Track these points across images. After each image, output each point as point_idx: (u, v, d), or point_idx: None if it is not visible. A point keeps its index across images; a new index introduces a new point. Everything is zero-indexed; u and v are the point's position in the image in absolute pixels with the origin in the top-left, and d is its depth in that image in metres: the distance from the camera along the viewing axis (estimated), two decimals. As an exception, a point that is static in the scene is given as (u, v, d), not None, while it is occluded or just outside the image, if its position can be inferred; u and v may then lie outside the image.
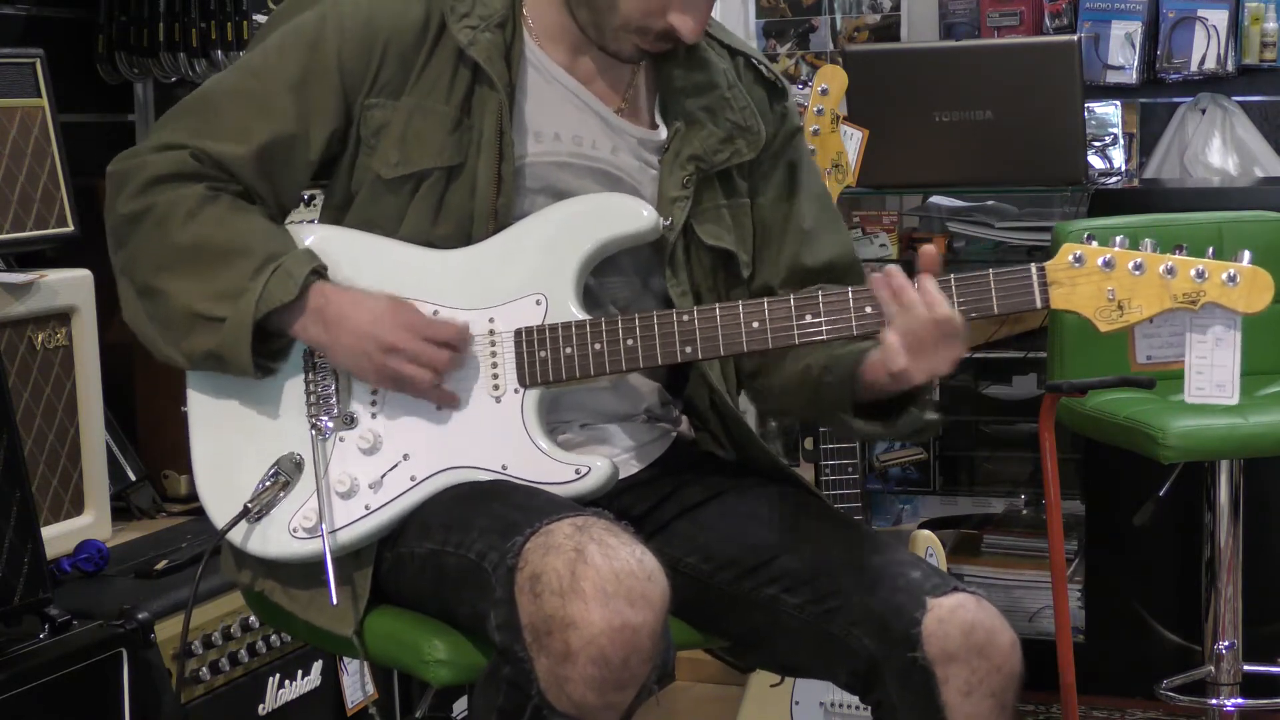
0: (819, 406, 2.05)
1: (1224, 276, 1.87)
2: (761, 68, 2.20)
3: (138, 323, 2.06)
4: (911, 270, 1.94)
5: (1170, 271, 1.87)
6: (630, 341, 1.99)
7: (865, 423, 2.01)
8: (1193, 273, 1.87)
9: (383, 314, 1.99)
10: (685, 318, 1.98)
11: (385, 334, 1.98)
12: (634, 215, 2.04)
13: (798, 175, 2.19)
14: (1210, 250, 1.89)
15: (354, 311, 1.99)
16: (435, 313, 2.03)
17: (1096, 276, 1.89)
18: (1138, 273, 1.88)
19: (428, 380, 2.00)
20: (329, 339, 2.01)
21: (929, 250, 1.91)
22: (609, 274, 2.09)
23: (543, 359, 2.00)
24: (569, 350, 2.00)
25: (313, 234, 2.08)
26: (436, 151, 2.04)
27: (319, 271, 2.01)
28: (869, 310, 1.94)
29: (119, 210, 2.05)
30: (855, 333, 1.95)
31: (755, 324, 1.97)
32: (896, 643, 1.92)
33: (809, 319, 1.96)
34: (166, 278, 2.02)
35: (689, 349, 1.99)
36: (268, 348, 2.02)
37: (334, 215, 2.12)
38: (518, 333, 2.01)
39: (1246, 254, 1.88)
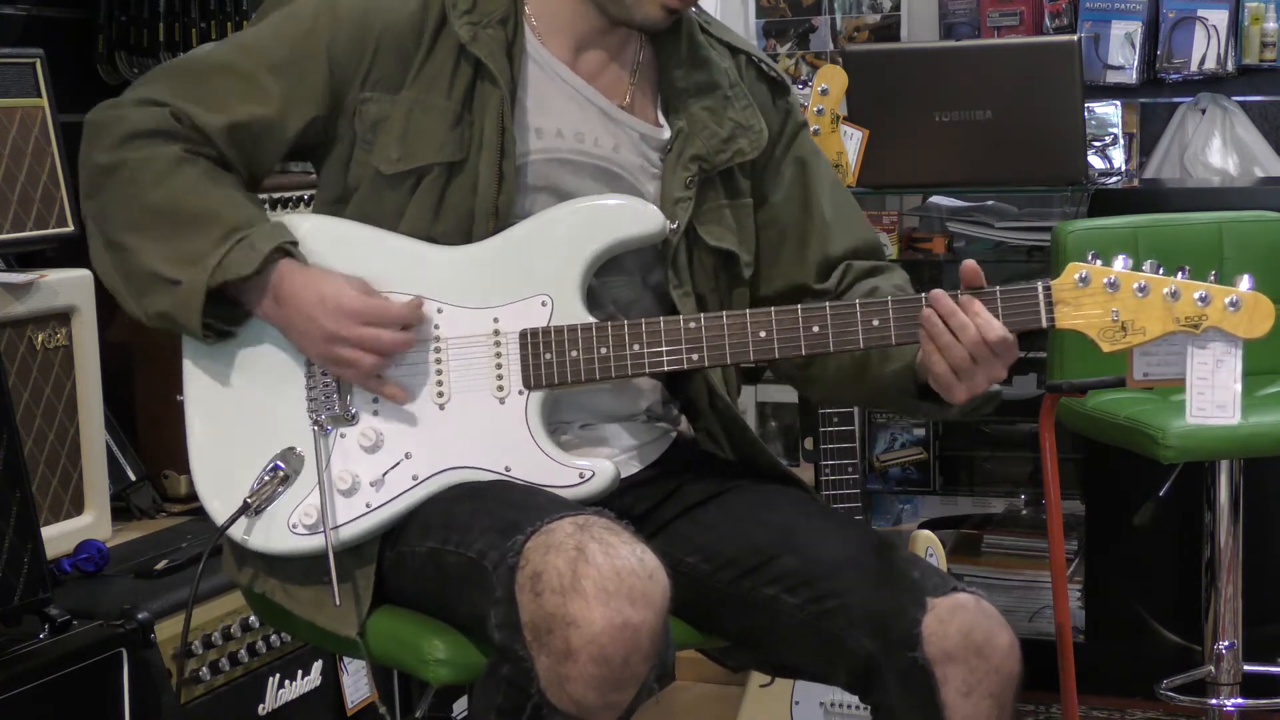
0: (881, 395, 2.08)
1: (1226, 302, 1.89)
2: (763, 65, 2.20)
3: (104, 273, 2.06)
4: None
5: (1174, 295, 1.89)
6: (636, 347, 1.99)
7: (931, 404, 2.03)
8: (1196, 297, 1.89)
9: (327, 298, 1.98)
10: (692, 324, 1.98)
11: (326, 320, 1.98)
12: (641, 217, 2.04)
13: (809, 170, 2.20)
14: (1213, 274, 1.90)
15: (303, 292, 1.99)
16: (439, 310, 2.03)
17: (1101, 297, 1.91)
18: (1141, 295, 1.90)
19: (368, 364, 1.99)
20: (281, 317, 2.01)
21: (970, 266, 1.92)
22: (611, 273, 2.08)
23: (548, 361, 2.00)
24: (574, 353, 2.00)
25: (315, 224, 2.08)
26: (437, 147, 2.04)
27: (287, 249, 2.01)
28: (876, 323, 1.94)
29: (95, 160, 2.05)
30: (861, 346, 1.96)
31: (762, 333, 1.97)
32: (896, 643, 1.92)
33: (816, 329, 1.96)
34: (134, 235, 2.02)
35: (695, 356, 1.98)
36: (223, 313, 2.01)
37: (330, 210, 2.11)
38: (523, 334, 2.01)
39: (1247, 279, 1.90)
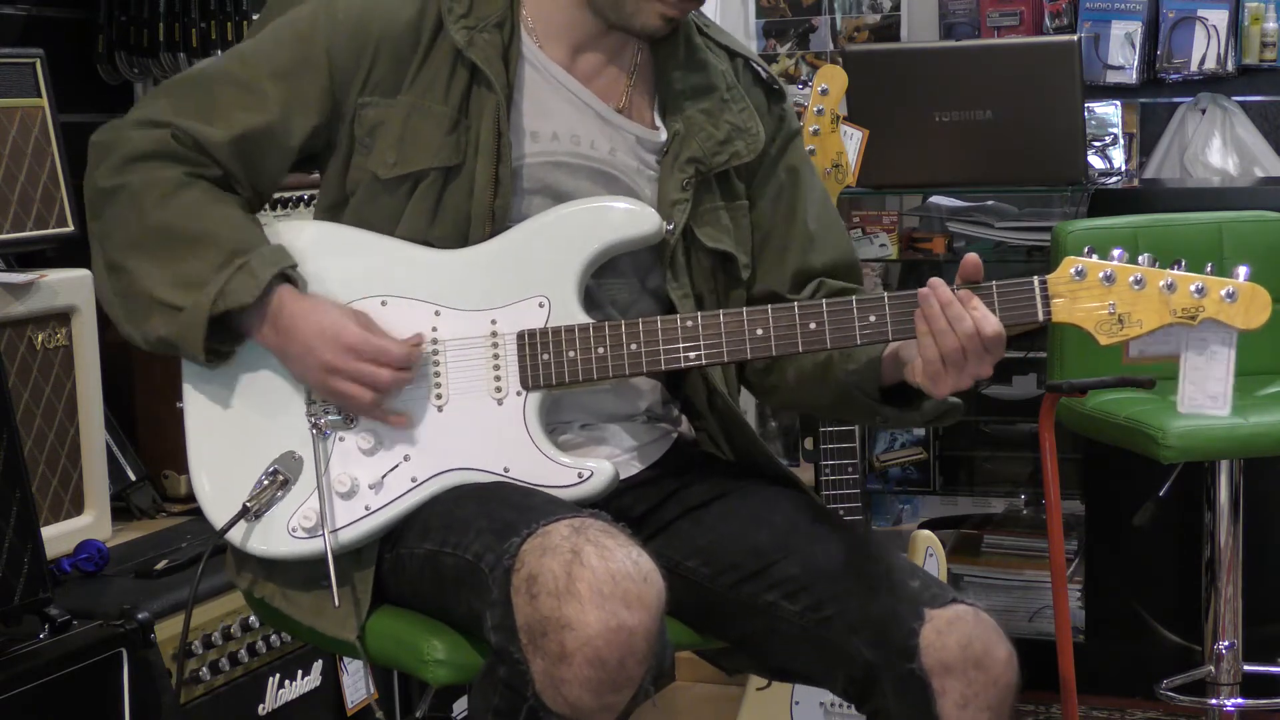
0: (844, 398, 2.05)
1: (1223, 293, 1.87)
2: (760, 70, 2.20)
3: (103, 296, 2.07)
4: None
5: (1170, 287, 1.88)
6: (634, 346, 1.98)
7: (893, 410, 2.02)
8: (1192, 289, 1.88)
9: (327, 329, 1.98)
10: (689, 323, 1.98)
11: (325, 353, 1.98)
12: (638, 218, 2.04)
13: (799, 178, 2.19)
14: (1209, 266, 1.89)
15: (303, 323, 1.99)
16: (436, 313, 2.03)
17: (1097, 290, 1.90)
18: (1138, 287, 1.89)
19: (366, 399, 1.99)
20: (280, 346, 2.01)
21: (973, 260, 1.91)
22: (608, 276, 2.08)
23: (545, 362, 2.00)
24: (572, 354, 2.00)
25: (313, 230, 2.08)
26: (434, 152, 2.04)
27: (286, 274, 2.01)
28: (873, 319, 1.93)
29: (97, 183, 2.05)
30: (859, 342, 1.95)
31: (759, 331, 1.96)
32: (894, 653, 1.92)
33: (813, 327, 1.95)
34: (133, 257, 2.02)
35: (693, 355, 1.98)
36: (224, 336, 2.01)
37: (328, 216, 2.11)
38: (520, 335, 2.01)
39: (1244, 270, 1.88)
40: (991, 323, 1.88)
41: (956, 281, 1.91)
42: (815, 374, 2.07)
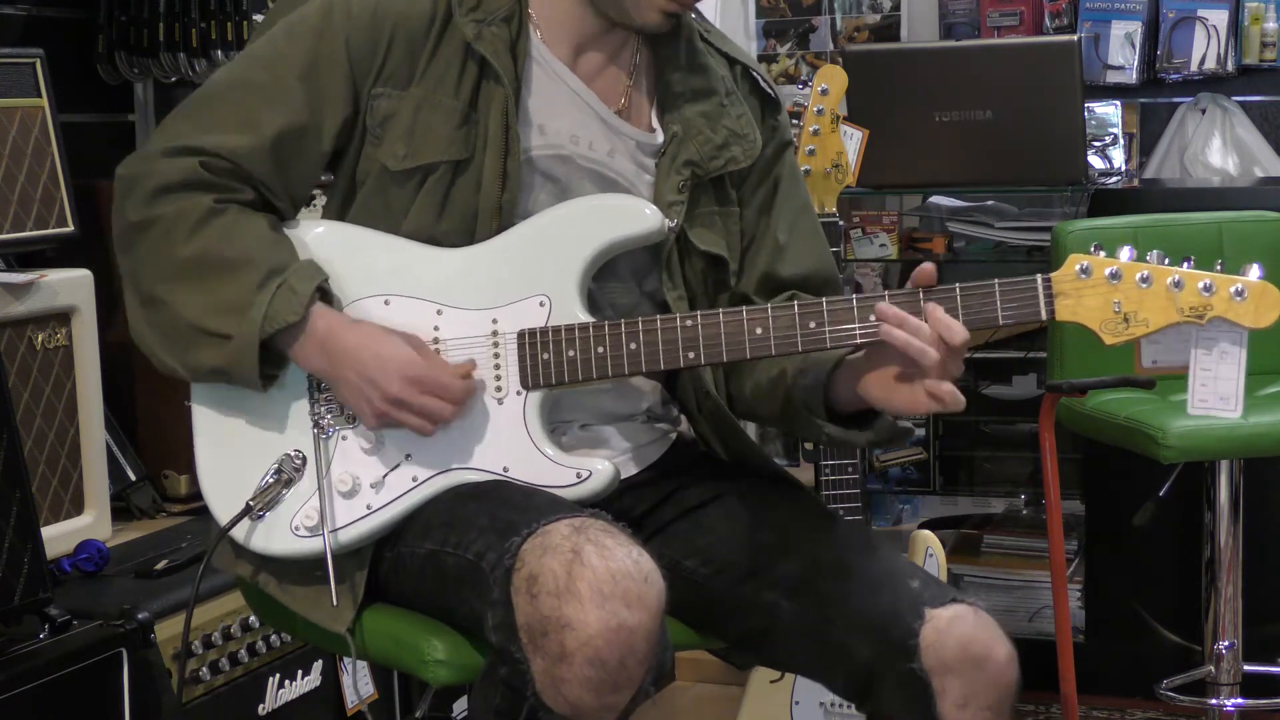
0: (791, 413, 2.04)
1: (1232, 291, 1.83)
2: (758, 78, 2.20)
3: (140, 331, 2.04)
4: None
5: (1177, 285, 1.84)
6: (633, 346, 1.98)
7: (839, 429, 2.00)
8: (1200, 286, 1.84)
9: (387, 360, 1.97)
10: (689, 322, 1.98)
11: (390, 385, 1.97)
12: (639, 216, 2.03)
13: (780, 189, 2.19)
14: (1219, 264, 1.85)
15: (359, 351, 1.98)
16: (439, 312, 2.03)
17: (1103, 288, 1.85)
18: (1144, 285, 1.84)
19: (428, 431, 1.99)
20: (332, 373, 2.00)
21: (927, 269, 1.90)
22: (607, 279, 2.08)
23: (545, 361, 2.00)
24: (572, 353, 1.99)
25: (318, 229, 2.08)
26: (444, 145, 2.04)
27: (323, 288, 2.00)
28: (872, 319, 1.92)
29: (127, 217, 2.03)
30: (859, 340, 1.93)
31: (759, 330, 1.96)
32: (894, 652, 1.91)
33: (813, 326, 1.94)
34: (170, 288, 2.00)
35: (691, 354, 1.98)
36: (271, 358, 2.00)
37: (337, 209, 2.11)
38: (521, 334, 2.01)
39: (1255, 268, 1.84)
40: (958, 331, 1.86)
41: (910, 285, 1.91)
42: (768, 386, 2.06)
